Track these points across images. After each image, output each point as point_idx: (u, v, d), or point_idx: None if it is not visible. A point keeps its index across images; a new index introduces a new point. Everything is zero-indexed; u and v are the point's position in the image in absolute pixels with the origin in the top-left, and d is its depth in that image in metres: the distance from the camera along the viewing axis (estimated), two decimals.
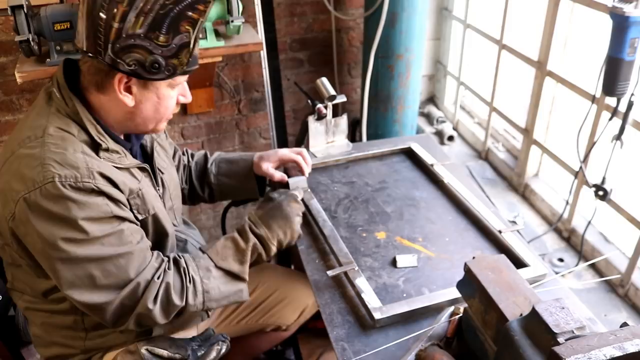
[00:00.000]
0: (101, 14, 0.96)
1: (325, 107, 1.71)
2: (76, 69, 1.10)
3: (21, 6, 1.78)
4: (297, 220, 1.29)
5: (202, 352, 1.20)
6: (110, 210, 1.04)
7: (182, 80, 1.12)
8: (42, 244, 1.00)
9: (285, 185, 1.49)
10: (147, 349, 1.16)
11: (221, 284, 1.17)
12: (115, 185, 1.06)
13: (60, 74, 1.09)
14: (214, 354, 1.20)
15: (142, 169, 1.18)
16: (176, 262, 1.14)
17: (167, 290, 1.09)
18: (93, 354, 1.22)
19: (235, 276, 1.19)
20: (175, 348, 1.17)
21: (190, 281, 1.12)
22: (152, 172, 1.23)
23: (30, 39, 1.84)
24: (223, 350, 1.22)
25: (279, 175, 1.48)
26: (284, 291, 1.60)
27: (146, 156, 1.27)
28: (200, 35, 1.08)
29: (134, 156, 1.20)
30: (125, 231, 1.06)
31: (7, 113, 2.45)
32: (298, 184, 1.50)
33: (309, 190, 1.52)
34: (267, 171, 1.48)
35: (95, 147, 1.07)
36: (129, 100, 1.07)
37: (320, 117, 1.71)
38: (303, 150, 1.54)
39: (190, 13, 0.99)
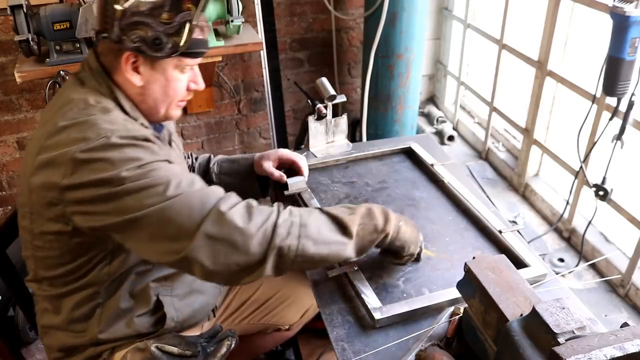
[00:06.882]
0: None
1: (325, 107, 1.70)
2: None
3: (20, 6, 1.78)
4: (421, 240, 1.21)
5: (212, 348, 1.19)
6: (166, 154, 1.06)
7: (190, 63, 1.14)
8: (104, 187, 0.96)
9: (284, 185, 1.49)
10: (156, 347, 1.16)
11: (323, 225, 1.05)
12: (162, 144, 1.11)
13: (93, 58, 1.12)
14: (224, 349, 1.19)
15: None
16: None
17: (248, 203, 1.02)
18: (103, 349, 1.22)
19: (340, 225, 1.06)
20: (185, 345, 1.16)
21: (284, 209, 1.05)
22: None
23: (30, 39, 1.84)
24: (233, 346, 1.21)
25: (277, 173, 1.48)
26: (287, 291, 1.60)
27: None
28: (204, 22, 1.12)
29: None
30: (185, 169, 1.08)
31: (7, 113, 2.45)
32: (297, 184, 1.50)
33: (308, 190, 1.52)
34: (268, 170, 1.49)
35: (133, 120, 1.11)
36: (137, 79, 1.09)
37: (320, 117, 1.70)
38: (302, 157, 1.54)
39: None
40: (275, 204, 1.07)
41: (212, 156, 1.58)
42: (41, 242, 1.12)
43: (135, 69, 1.09)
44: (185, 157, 1.52)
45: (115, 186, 0.97)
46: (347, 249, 1.07)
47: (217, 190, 1.04)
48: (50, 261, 1.14)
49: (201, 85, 1.20)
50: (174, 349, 1.15)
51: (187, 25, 1.04)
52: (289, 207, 1.06)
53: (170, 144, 1.29)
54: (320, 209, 1.09)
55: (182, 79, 1.15)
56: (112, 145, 0.98)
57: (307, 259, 1.03)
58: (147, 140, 1.04)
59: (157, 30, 1.02)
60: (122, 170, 0.97)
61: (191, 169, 1.54)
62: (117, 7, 1.00)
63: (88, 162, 0.97)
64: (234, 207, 1.00)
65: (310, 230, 1.03)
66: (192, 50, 1.09)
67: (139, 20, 1.01)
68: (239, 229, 0.97)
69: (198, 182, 1.04)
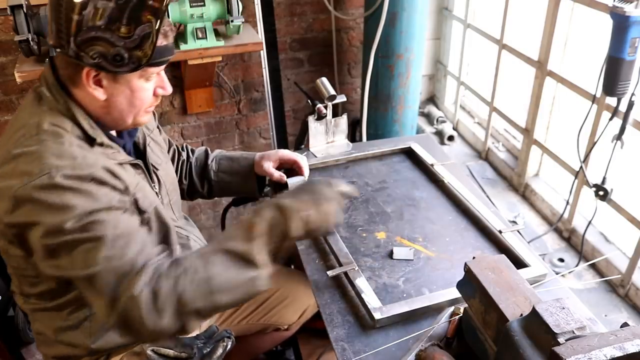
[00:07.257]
0: (60, 5, 0.95)
1: (325, 107, 1.70)
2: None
3: (20, 6, 1.78)
4: (333, 207, 1.08)
5: (208, 349, 1.19)
6: (112, 198, 1.00)
7: (155, 71, 1.09)
8: (40, 233, 0.95)
9: (284, 186, 1.49)
10: (152, 350, 1.16)
11: (227, 269, 0.98)
12: (116, 176, 1.05)
13: (49, 72, 1.07)
14: (220, 350, 1.19)
15: (135, 166, 1.16)
16: (175, 260, 1.01)
17: (155, 273, 0.96)
18: (98, 357, 1.22)
19: (244, 259, 0.99)
20: (181, 347, 1.16)
21: (185, 270, 0.97)
22: (147, 168, 1.22)
23: (30, 39, 1.84)
24: (229, 347, 1.21)
25: (277, 174, 1.48)
26: (286, 291, 1.60)
27: (139, 153, 1.25)
28: (168, 27, 1.07)
29: (128, 153, 1.19)
30: (128, 218, 1.02)
31: (7, 113, 2.45)
32: (297, 184, 1.50)
33: None
34: (267, 170, 1.48)
35: (90, 142, 1.06)
36: (99, 94, 1.04)
37: (320, 117, 1.70)
38: (303, 156, 1.54)
39: (150, 2, 0.95)
40: (181, 255, 1.02)
41: (209, 151, 1.57)
42: (16, 263, 1.12)
43: (97, 82, 1.03)
44: (175, 152, 1.51)
45: (51, 237, 0.95)
46: (261, 280, 1.01)
47: (147, 253, 0.98)
48: (31, 280, 1.13)
49: (168, 89, 1.14)
50: (170, 352, 1.15)
51: (149, 38, 0.99)
52: (191, 260, 0.99)
53: (145, 146, 1.25)
54: (220, 246, 1.01)
55: (148, 88, 1.10)
56: (53, 186, 0.95)
57: (225, 307, 1.03)
58: (93, 179, 0.99)
59: (116, 45, 0.97)
60: (58, 220, 0.94)
61: (187, 163, 1.53)
62: (74, 17, 0.94)
63: (27, 202, 0.95)
64: (145, 287, 0.93)
65: (217, 281, 0.97)
66: (157, 59, 1.04)
67: (96, 36, 0.95)
68: (146, 315, 0.93)
69: (136, 237, 0.99)
